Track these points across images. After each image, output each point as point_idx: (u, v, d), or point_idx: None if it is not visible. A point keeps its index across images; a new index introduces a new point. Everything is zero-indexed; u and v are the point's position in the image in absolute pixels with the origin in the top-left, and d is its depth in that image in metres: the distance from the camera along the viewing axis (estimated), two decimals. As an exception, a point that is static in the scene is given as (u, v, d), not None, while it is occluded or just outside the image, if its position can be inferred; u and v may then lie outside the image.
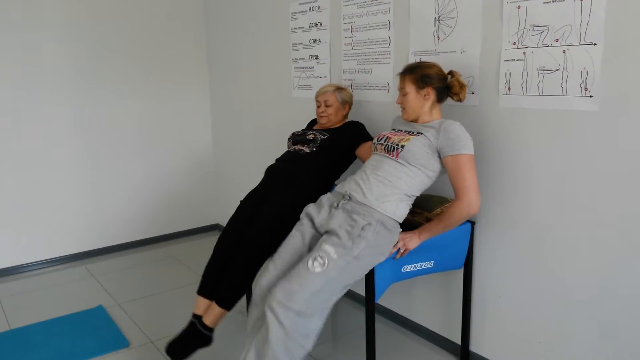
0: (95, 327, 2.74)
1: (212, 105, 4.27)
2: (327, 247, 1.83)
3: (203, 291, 2.30)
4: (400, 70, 2.12)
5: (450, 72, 2.08)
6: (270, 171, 2.49)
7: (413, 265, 2.05)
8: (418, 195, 2.03)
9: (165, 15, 3.93)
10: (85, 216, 3.79)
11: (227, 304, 2.22)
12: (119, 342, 2.59)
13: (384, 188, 1.95)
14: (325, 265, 1.79)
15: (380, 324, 2.73)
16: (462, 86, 2.05)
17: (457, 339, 2.40)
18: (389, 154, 2.01)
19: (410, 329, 2.65)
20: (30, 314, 2.93)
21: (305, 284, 1.76)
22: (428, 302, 2.54)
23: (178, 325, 2.77)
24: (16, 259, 3.56)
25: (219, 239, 2.35)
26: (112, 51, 3.73)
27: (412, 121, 2.12)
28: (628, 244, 1.75)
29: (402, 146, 1.97)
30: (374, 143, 2.14)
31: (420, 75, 2.03)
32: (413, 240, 1.96)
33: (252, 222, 2.30)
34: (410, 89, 2.05)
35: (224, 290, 2.22)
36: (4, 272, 3.52)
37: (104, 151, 3.80)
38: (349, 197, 1.98)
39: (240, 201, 2.43)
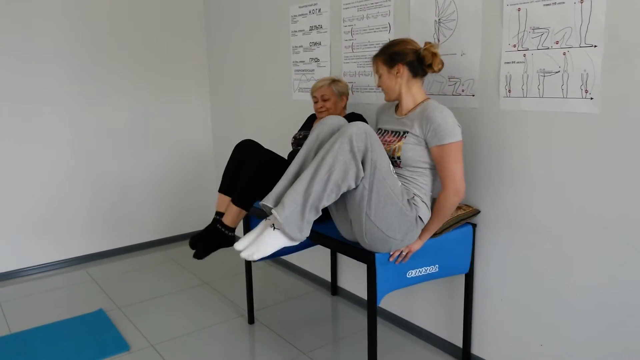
0: (95, 331, 2.74)
1: (212, 108, 4.27)
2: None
3: (223, 188, 2.36)
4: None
5: (425, 44, 2.02)
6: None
7: (418, 270, 2.04)
8: (432, 191, 2.03)
9: (165, 17, 3.93)
10: (85, 220, 3.78)
11: (242, 203, 2.23)
12: (120, 346, 2.59)
13: (407, 185, 1.97)
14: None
15: (382, 326, 2.73)
16: (434, 55, 1.98)
17: (458, 341, 2.39)
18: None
19: (412, 331, 2.65)
20: (30, 318, 2.93)
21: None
22: (429, 305, 2.54)
23: (179, 329, 2.77)
24: (16, 263, 3.56)
25: (238, 145, 2.39)
26: (112, 55, 3.73)
27: (396, 112, 2.11)
28: (628, 247, 1.75)
29: (399, 157, 1.97)
30: None
31: (389, 54, 2.01)
32: (415, 243, 1.96)
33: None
34: (383, 70, 2.04)
35: (239, 189, 2.24)
36: (4, 276, 3.51)
37: (104, 154, 3.80)
38: None
39: None
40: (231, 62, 3.90)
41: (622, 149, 1.73)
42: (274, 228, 1.79)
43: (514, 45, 1.98)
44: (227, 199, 2.33)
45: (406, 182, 1.98)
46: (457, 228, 2.13)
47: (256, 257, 1.81)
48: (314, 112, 2.77)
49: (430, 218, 1.98)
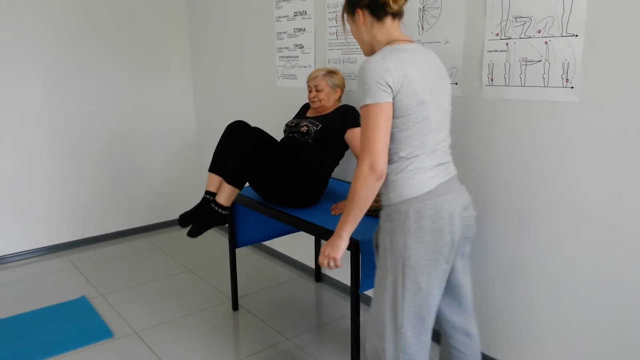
0: (78, 318, 2.73)
1: (195, 94, 4.23)
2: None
3: (214, 168, 2.36)
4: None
5: None
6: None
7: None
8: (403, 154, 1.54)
9: (147, 1, 3.87)
10: (67, 206, 3.74)
11: (235, 182, 2.24)
12: (103, 333, 2.58)
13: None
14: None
15: (365, 312, 2.76)
16: None
17: (435, 325, 2.42)
18: None
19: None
20: (12, 306, 2.90)
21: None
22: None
23: (162, 316, 2.77)
24: (-4, 250, 3.52)
25: (229, 125, 2.40)
26: (93, 38, 3.67)
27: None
28: (607, 232, 1.79)
29: None
30: None
31: (346, 2, 1.67)
32: (334, 246, 1.58)
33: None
34: (349, 21, 1.69)
35: (232, 168, 2.24)
36: (-16, 264, 3.47)
37: (85, 140, 3.75)
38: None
39: None
40: (214, 47, 3.86)
41: (601, 137, 1.76)
42: None
43: (497, 34, 2.00)
44: (218, 178, 2.33)
45: None
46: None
47: None
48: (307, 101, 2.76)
49: (347, 204, 1.53)
